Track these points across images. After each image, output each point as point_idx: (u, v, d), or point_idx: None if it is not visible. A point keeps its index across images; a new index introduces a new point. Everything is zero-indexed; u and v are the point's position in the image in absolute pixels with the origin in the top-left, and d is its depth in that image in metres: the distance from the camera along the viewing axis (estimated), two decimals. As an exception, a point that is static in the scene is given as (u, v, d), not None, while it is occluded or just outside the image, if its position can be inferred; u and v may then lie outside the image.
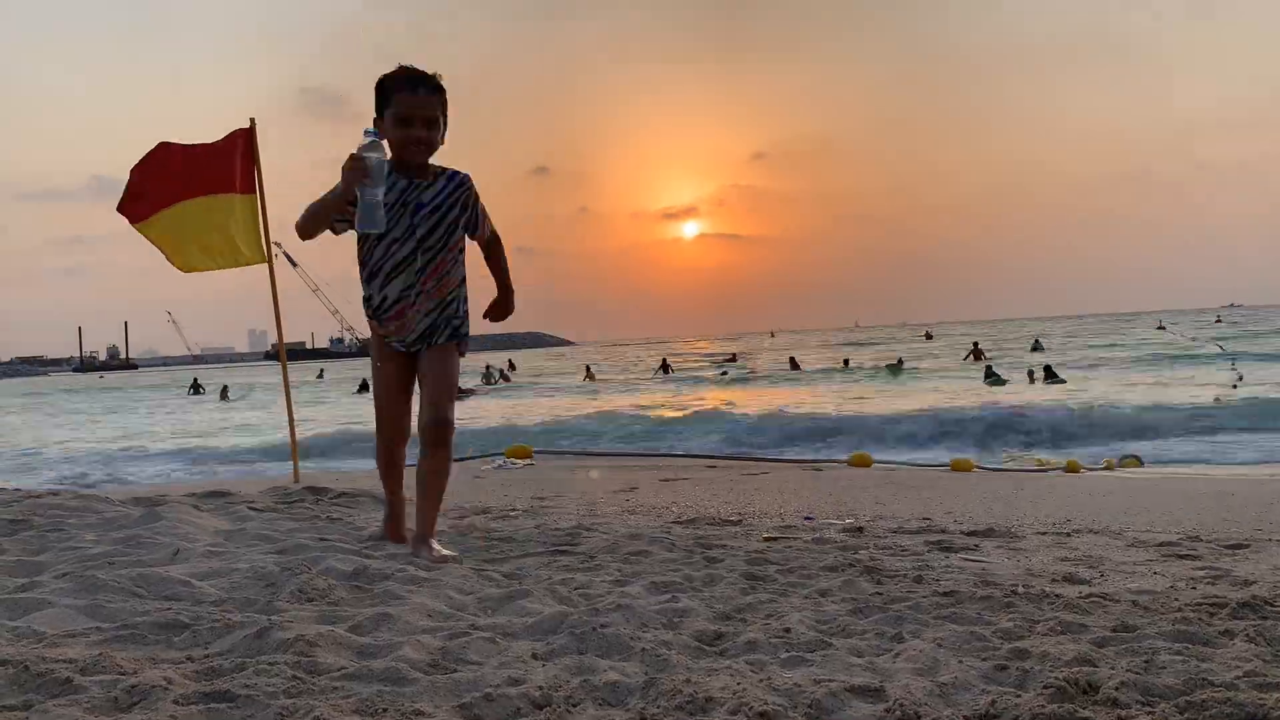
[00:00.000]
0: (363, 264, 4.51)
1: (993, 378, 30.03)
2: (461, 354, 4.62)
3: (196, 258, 8.41)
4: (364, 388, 46.75)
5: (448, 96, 4.43)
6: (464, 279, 4.59)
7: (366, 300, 4.54)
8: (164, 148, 8.36)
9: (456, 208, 4.44)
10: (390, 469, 4.87)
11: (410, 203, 4.39)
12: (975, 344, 41.56)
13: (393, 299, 4.45)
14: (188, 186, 8.31)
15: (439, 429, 4.50)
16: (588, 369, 44.73)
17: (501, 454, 11.86)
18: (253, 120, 8.54)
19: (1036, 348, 40.65)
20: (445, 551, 4.53)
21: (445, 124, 4.42)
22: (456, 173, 4.52)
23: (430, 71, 4.36)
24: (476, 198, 4.53)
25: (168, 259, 8.38)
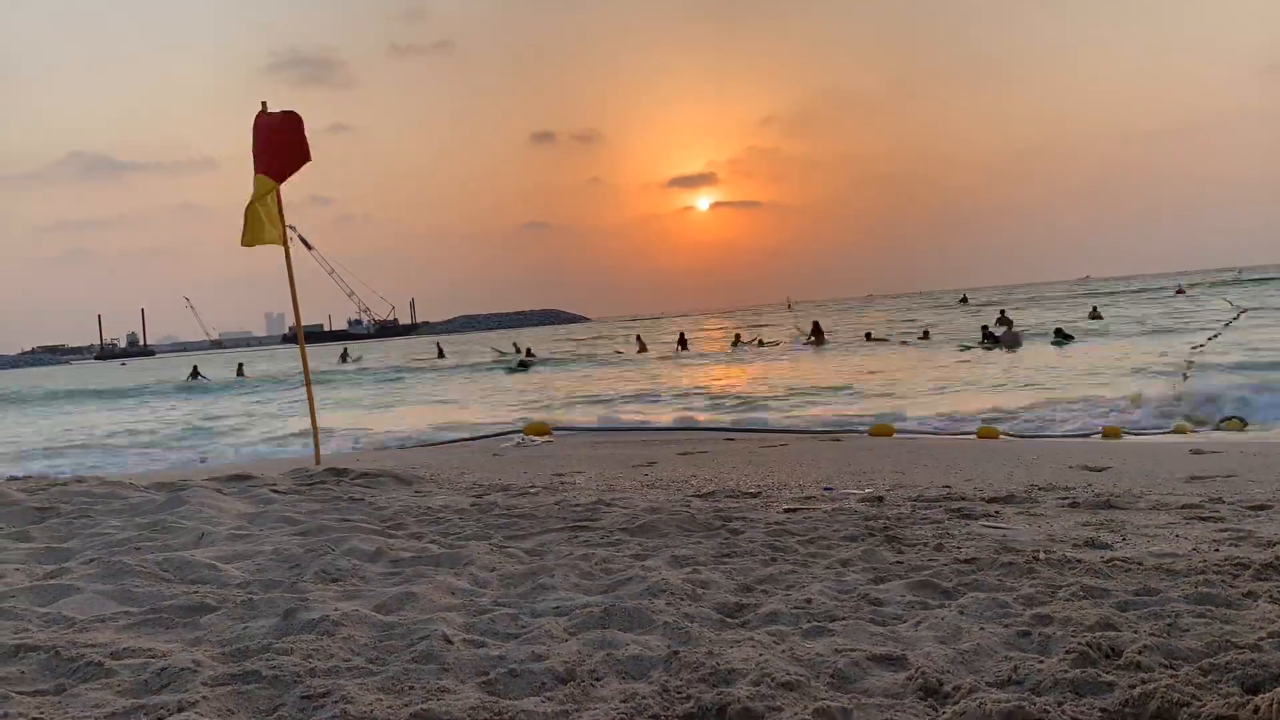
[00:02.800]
0: None
1: (1061, 338, 30.08)
2: None
3: (257, 234, 8.45)
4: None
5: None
6: None
7: None
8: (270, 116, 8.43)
9: None
10: None
11: None
12: (1002, 310, 40.83)
13: None
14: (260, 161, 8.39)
15: None
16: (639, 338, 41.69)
17: (505, 433, 11.97)
18: (264, 104, 8.54)
19: (1095, 315, 38.86)
20: None
21: None
22: None
23: None
24: None
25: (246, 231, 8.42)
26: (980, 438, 10.33)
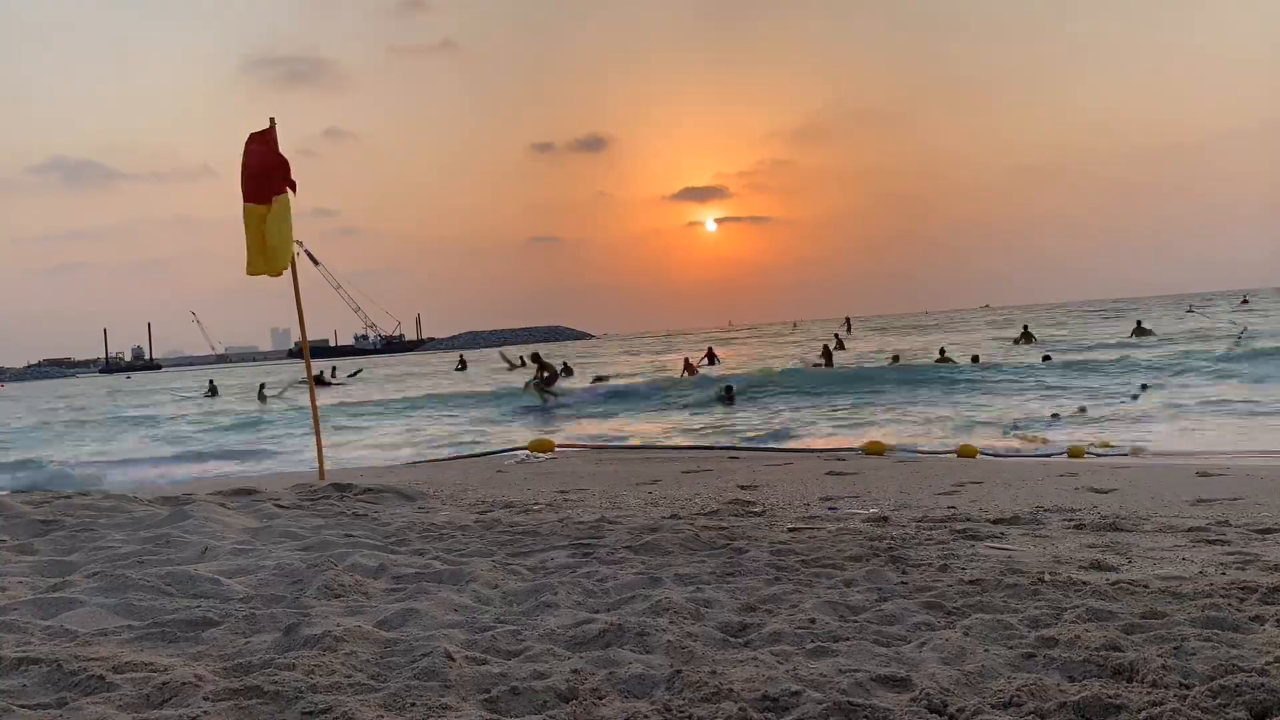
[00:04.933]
0: None
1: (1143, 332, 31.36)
2: None
3: (263, 262, 8.48)
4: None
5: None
6: None
7: None
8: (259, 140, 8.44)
9: None
10: None
11: None
12: (1025, 327, 40.35)
13: None
14: (266, 188, 8.38)
15: None
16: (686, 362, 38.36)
17: (510, 449, 12.00)
18: (272, 120, 8.59)
19: (1141, 331, 37.84)
20: None
21: None
22: None
23: None
24: None
25: (251, 259, 8.44)
26: (960, 456, 10.34)
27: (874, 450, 10.78)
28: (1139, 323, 37.95)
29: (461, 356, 52.11)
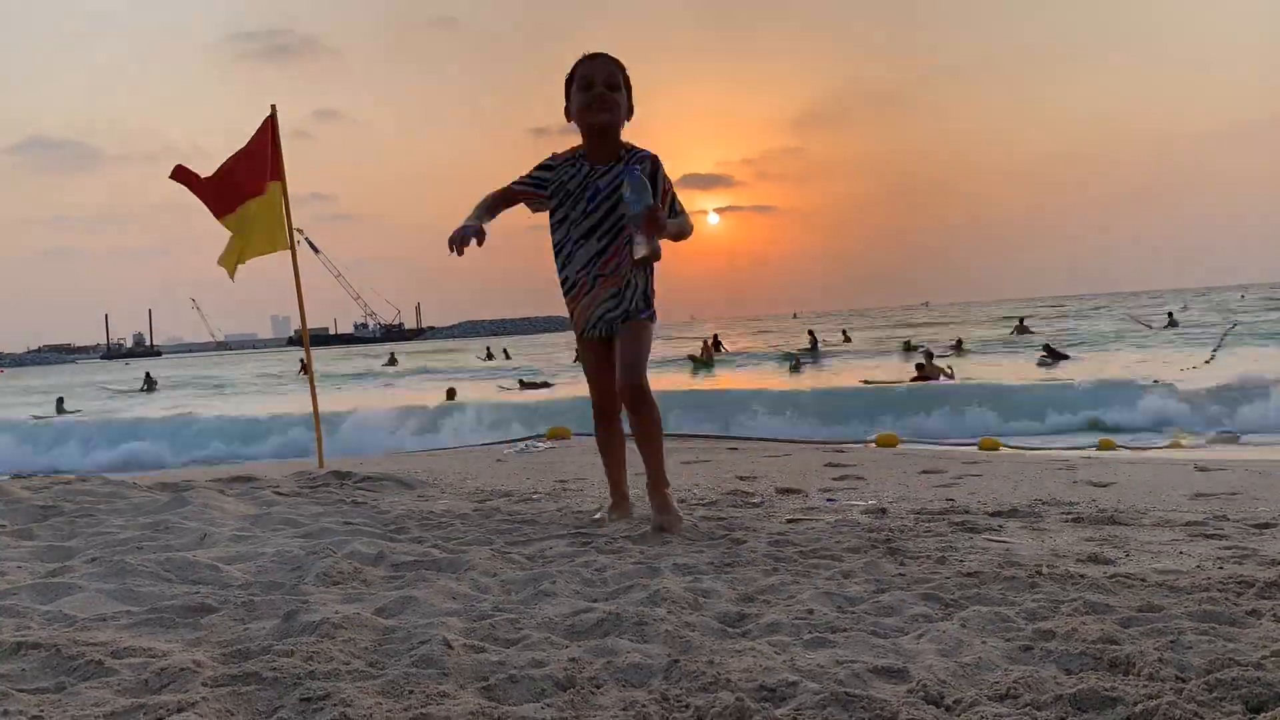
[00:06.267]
0: (553, 246, 4.76)
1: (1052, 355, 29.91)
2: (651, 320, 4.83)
3: (234, 258, 8.47)
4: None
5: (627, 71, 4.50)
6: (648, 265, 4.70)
7: (561, 282, 4.80)
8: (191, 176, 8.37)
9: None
10: (606, 446, 5.28)
11: (589, 188, 4.55)
12: (1021, 319, 39.98)
13: (572, 281, 4.73)
14: (232, 196, 8.35)
15: (631, 391, 4.66)
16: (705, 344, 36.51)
17: (530, 436, 11.99)
18: (274, 107, 8.58)
19: (1172, 323, 36.87)
20: (674, 507, 4.91)
21: (630, 98, 4.51)
22: (636, 152, 4.58)
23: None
24: (657, 177, 4.50)
25: (226, 259, 8.44)
26: (982, 449, 10.32)
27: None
28: (1169, 314, 37.68)
29: (488, 348, 52.85)
